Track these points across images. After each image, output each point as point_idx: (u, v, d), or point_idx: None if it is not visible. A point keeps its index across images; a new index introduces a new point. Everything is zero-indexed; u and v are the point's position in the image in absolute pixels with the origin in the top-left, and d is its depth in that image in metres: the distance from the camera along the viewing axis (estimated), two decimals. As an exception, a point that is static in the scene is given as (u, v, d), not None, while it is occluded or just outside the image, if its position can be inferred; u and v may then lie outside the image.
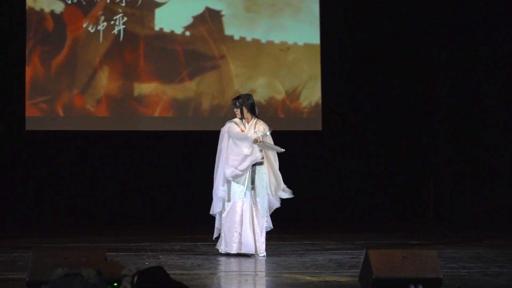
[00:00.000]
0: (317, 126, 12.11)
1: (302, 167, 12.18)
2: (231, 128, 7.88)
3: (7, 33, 11.60)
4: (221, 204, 7.83)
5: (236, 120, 7.96)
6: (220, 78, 11.97)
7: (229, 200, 7.79)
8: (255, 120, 7.96)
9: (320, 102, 12.10)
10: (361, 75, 12.39)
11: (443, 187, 12.18)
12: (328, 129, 12.18)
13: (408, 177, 12.39)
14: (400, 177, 12.38)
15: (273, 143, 7.87)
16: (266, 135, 7.87)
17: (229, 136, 7.85)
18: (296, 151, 12.20)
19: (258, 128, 7.88)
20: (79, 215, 11.62)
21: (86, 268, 4.49)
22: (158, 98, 11.80)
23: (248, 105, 7.92)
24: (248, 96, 8.02)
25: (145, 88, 11.80)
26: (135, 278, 4.35)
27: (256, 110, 7.98)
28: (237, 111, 7.95)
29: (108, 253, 5.60)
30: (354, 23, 12.38)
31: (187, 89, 11.87)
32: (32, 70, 11.56)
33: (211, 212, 7.97)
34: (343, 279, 6.18)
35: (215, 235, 7.94)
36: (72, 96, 11.64)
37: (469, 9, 11.91)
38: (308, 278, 6.24)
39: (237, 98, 8.03)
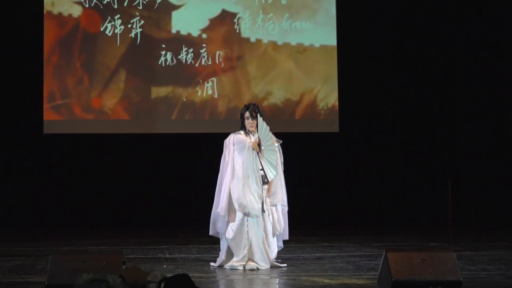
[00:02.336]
0: (334, 128, 12.08)
1: (320, 169, 12.17)
2: (239, 139, 6.98)
3: (25, 37, 11.67)
4: (225, 224, 7.00)
5: (242, 132, 7.07)
6: (237, 81, 11.97)
7: (233, 220, 6.97)
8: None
9: (337, 104, 12.06)
10: (378, 77, 12.34)
11: (462, 189, 12.11)
12: (345, 131, 12.14)
13: (427, 178, 12.33)
14: (418, 178, 12.32)
15: (281, 156, 7.05)
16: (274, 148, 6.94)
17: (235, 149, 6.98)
18: (313, 153, 12.22)
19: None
20: (97, 217, 11.66)
21: (112, 274, 4.51)
22: (175, 100, 11.82)
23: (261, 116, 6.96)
24: (257, 106, 7.14)
25: (162, 91, 11.82)
26: (162, 285, 4.35)
27: None
28: (254, 123, 6.98)
29: (126, 256, 5.61)
30: (371, 24, 12.35)
31: (203, 91, 11.87)
32: (50, 73, 11.61)
33: (211, 233, 7.18)
34: (362, 281, 6.16)
35: (217, 263, 7.10)
36: (90, 99, 11.69)
37: (485, 7, 11.83)
38: (327, 280, 6.22)
39: (248, 107, 7.04)
